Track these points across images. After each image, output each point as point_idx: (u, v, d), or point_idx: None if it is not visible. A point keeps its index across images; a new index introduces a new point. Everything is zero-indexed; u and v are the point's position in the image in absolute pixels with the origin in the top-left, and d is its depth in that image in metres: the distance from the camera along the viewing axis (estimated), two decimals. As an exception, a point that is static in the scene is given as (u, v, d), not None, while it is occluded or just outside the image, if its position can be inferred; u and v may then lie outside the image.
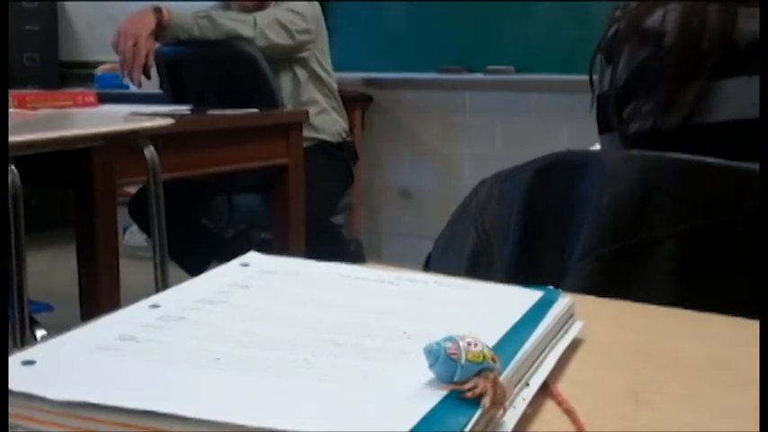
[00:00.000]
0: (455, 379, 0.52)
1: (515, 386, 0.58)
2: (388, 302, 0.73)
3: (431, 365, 0.53)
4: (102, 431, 0.50)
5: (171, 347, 0.60)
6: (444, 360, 0.52)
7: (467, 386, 0.51)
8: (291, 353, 0.60)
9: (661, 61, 1.09)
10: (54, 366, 0.56)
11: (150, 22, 3.27)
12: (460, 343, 0.53)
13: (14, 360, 0.56)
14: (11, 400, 0.52)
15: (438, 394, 0.52)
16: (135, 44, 3.26)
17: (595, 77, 1.22)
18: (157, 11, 3.30)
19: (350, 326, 0.66)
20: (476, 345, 0.53)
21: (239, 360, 0.58)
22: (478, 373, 0.52)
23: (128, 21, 3.33)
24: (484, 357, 0.52)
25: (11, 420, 0.52)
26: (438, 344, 0.53)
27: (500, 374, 0.54)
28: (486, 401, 0.51)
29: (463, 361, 0.52)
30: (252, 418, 0.48)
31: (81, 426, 0.50)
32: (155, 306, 0.68)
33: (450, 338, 0.53)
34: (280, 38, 3.41)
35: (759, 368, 0.62)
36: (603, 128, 1.21)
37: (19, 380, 0.53)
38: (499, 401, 0.52)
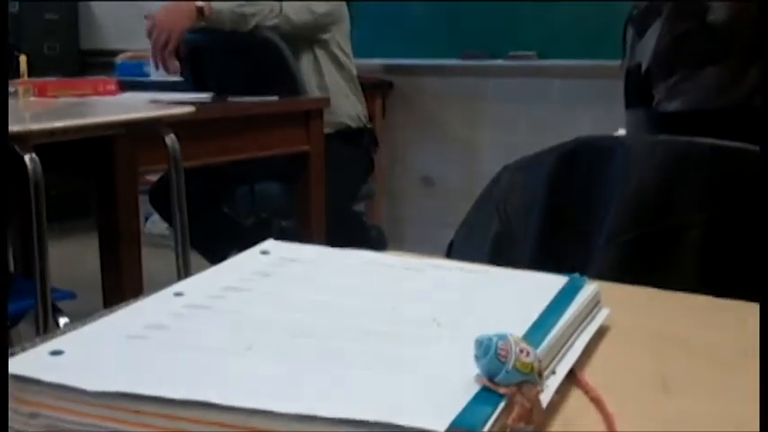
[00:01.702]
0: (496, 379, 0.50)
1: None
2: (415, 290, 0.72)
3: (477, 357, 0.52)
4: (143, 422, 0.49)
5: (201, 336, 0.60)
6: (492, 358, 0.51)
7: (504, 391, 0.50)
8: (324, 341, 0.59)
9: (708, 37, 1.07)
10: (84, 356, 0.56)
11: (188, 22, 3.26)
12: (513, 346, 0.51)
13: (42, 350, 0.56)
14: (40, 389, 0.51)
15: (475, 386, 0.51)
16: (168, 38, 3.24)
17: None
18: (200, 11, 3.27)
19: (379, 313, 0.65)
20: (528, 354, 0.51)
21: (272, 348, 0.58)
22: (521, 383, 0.50)
23: (167, 12, 3.30)
24: (531, 369, 0.51)
25: (40, 411, 0.51)
26: (491, 339, 0.52)
27: (542, 391, 0.52)
28: (513, 419, 0.50)
29: (510, 366, 0.50)
30: (294, 405, 0.48)
31: (121, 417, 0.50)
32: (179, 294, 0.68)
33: (503, 337, 0.52)
34: (301, 18, 3.40)
35: (759, 369, 0.61)
36: (632, 102, 1.19)
37: (50, 370, 0.52)
38: (536, 420, 0.51)
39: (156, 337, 0.59)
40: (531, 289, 0.72)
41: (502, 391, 0.50)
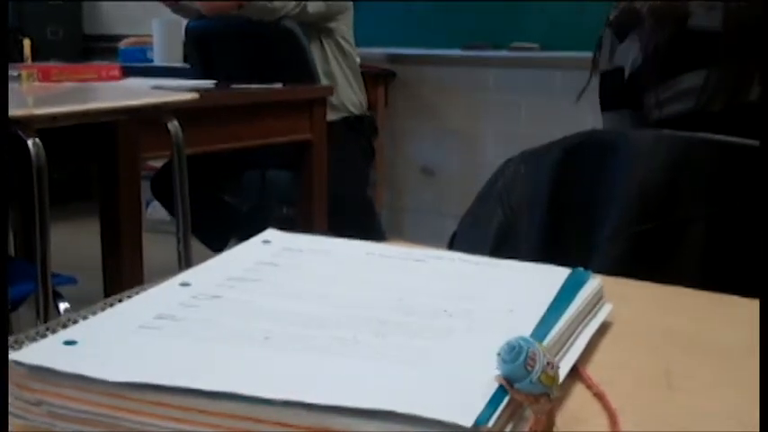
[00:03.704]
0: (517, 385, 0.50)
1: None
2: (419, 280, 0.72)
3: (502, 360, 0.51)
4: (163, 414, 0.49)
5: (215, 326, 0.60)
6: (519, 365, 0.50)
7: (521, 398, 0.49)
8: (339, 331, 0.59)
9: (690, 42, 1.08)
10: (98, 346, 0.56)
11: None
12: (541, 357, 0.50)
13: (55, 340, 0.55)
14: (55, 380, 0.51)
15: (493, 384, 0.50)
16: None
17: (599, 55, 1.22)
18: None
19: (388, 304, 0.65)
20: (553, 367, 0.51)
21: (289, 339, 0.58)
22: (540, 395, 0.50)
23: None
24: (553, 382, 0.51)
25: (55, 401, 0.51)
26: (521, 345, 0.51)
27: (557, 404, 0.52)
28: (531, 427, 0.49)
29: (535, 377, 0.50)
30: (322, 396, 0.47)
31: (139, 408, 0.49)
32: (185, 284, 0.67)
33: (533, 344, 0.51)
34: (315, 8, 3.41)
35: (759, 367, 0.61)
36: (611, 105, 1.20)
37: (65, 360, 0.52)
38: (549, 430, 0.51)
39: (168, 327, 0.59)
40: (537, 280, 0.72)
41: (519, 398, 0.49)
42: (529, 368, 0.50)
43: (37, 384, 0.52)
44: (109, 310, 0.62)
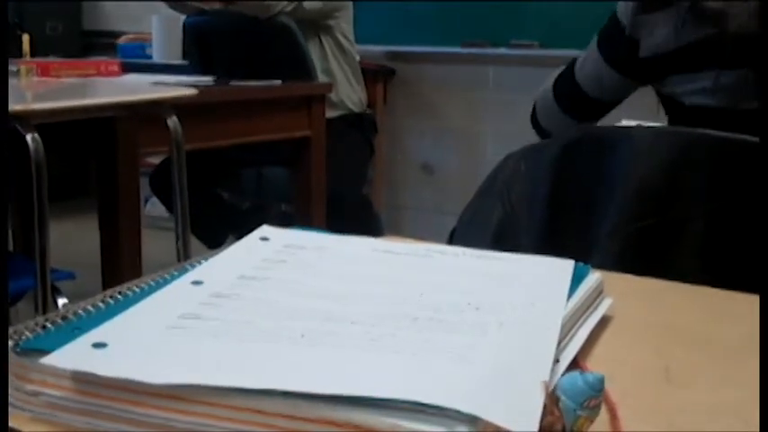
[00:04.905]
0: (560, 405, 0.49)
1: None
2: (432, 275, 0.72)
3: (564, 389, 0.50)
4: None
5: (244, 325, 0.59)
6: (572, 409, 0.49)
7: (553, 413, 0.49)
8: (374, 328, 0.58)
9: (727, 43, 1.10)
10: (131, 348, 0.55)
11: None
12: (593, 411, 0.50)
13: (83, 343, 0.54)
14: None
15: (541, 390, 0.50)
16: None
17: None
18: None
19: (412, 300, 0.65)
20: (592, 422, 0.50)
21: (325, 337, 0.57)
22: (565, 423, 0.49)
23: None
24: (581, 427, 0.50)
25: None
26: (589, 393, 0.50)
27: None
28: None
29: (577, 421, 0.49)
30: (385, 390, 0.47)
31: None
32: (197, 283, 0.67)
33: (599, 393, 0.50)
34: (312, 4, 3.41)
35: (759, 362, 0.61)
36: (610, 55, 1.22)
37: (102, 364, 0.51)
38: None
39: (196, 327, 0.58)
40: (547, 273, 0.72)
41: (552, 413, 0.49)
42: (579, 407, 0.49)
43: (35, 375, 0.51)
44: (129, 311, 0.60)
